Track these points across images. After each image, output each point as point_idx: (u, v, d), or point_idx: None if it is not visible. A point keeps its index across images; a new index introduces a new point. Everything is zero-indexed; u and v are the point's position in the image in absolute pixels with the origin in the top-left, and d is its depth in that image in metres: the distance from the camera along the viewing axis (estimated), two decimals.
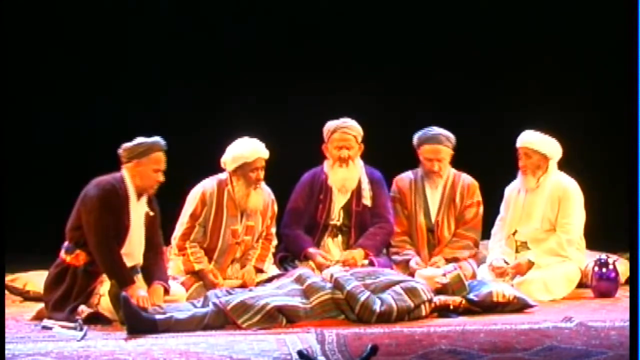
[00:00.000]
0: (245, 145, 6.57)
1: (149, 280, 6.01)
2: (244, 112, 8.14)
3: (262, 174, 6.57)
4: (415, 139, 7.02)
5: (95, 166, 6.08)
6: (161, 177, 6.00)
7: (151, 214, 6.07)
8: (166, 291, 5.98)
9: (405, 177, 7.17)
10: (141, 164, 5.94)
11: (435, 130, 6.98)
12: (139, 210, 6.00)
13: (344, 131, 6.88)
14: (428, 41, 8.86)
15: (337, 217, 6.97)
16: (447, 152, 6.98)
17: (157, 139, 6.02)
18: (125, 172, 5.97)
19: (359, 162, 6.97)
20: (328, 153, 6.96)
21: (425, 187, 7.07)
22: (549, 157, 6.75)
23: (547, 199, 6.75)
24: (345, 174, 6.89)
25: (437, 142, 6.95)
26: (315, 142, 7.09)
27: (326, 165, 6.99)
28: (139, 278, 5.99)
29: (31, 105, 8.81)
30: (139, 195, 5.99)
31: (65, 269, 5.92)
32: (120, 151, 6.00)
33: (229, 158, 6.57)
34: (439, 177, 7.02)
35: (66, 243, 5.98)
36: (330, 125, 6.93)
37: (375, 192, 6.96)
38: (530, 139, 6.76)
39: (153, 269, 6.05)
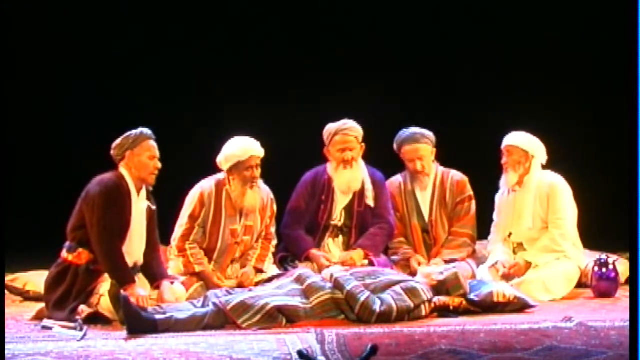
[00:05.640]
0: (238, 144, 6.55)
1: (151, 278, 6.06)
2: (244, 112, 8.13)
3: (257, 172, 6.54)
4: (394, 143, 7.03)
5: (95, 166, 6.08)
6: (158, 164, 6.03)
7: (153, 207, 6.10)
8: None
9: (394, 181, 7.15)
10: (135, 154, 5.98)
11: (411, 130, 6.98)
12: (140, 206, 6.02)
13: (345, 133, 6.85)
14: (428, 41, 8.87)
15: (338, 217, 6.96)
16: (427, 150, 6.97)
17: (143, 129, 6.05)
18: (122, 169, 6.00)
19: (361, 163, 6.96)
20: (330, 156, 6.92)
21: (415, 189, 7.06)
22: (530, 153, 6.74)
23: (536, 197, 6.74)
24: (350, 176, 6.87)
25: (414, 142, 6.95)
26: (315, 142, 7.08)
27: (329, 168, 6.95)
28: (139, 277, 6.00)
29: (31, 105, 8.82)
30: (139, 190, 6.01)
31: (67, 268, 5.91)
32: (112, 151, 6.03)
33: (222, 158, 6.57)
34: (425, 175, 7.01)
35: (68, 243, 5.97)
36: (330, 128, 6.89)
37: (376, 193, 6.94)
38: (511, 138, 6.79)
39: (153, 264, 6.10)
